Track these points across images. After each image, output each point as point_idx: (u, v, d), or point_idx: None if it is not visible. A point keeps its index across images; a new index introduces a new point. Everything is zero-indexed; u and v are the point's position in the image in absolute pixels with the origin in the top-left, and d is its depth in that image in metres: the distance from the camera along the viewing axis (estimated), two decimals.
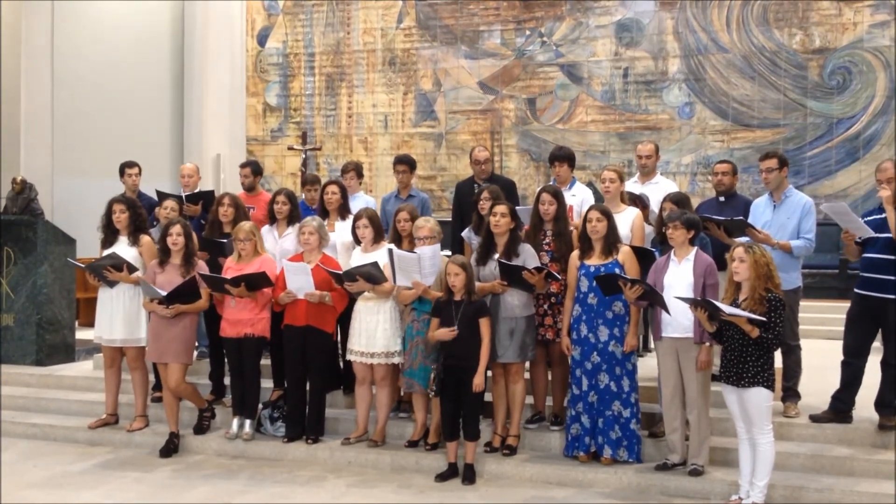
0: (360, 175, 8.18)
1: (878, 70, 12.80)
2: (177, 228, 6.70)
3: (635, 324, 6.04)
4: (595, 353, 6.02)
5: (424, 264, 6.15)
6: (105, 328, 7.05)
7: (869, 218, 6.14)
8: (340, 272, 6.43)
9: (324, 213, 7.29)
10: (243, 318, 6.63)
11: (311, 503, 5.76)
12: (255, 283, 6.54)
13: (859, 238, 6.03)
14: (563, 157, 7.24)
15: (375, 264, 6.30)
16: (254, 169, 8.20)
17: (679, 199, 6.34)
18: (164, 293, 6.54)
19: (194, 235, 6.94)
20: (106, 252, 7.05)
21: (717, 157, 13.01)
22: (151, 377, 7.34)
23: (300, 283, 6.44)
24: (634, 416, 6.02)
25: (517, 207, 6.91)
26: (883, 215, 5.99)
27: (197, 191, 8.27)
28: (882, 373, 6.10)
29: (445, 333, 5.98)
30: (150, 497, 5.89)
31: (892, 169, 6.00)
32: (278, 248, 7.20)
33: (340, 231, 7.13)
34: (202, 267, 6.80)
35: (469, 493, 5.87)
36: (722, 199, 7.00)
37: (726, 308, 5.16)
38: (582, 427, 6.08)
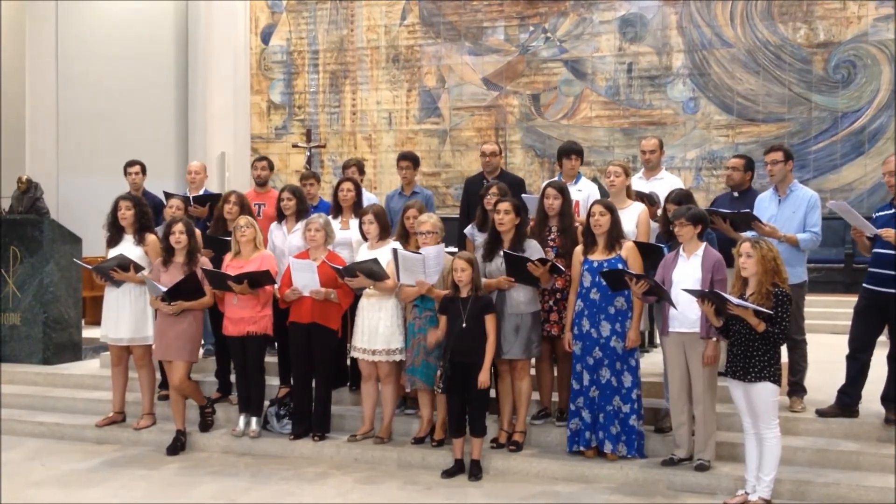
0: (361, 172, 8.21)
1: (883, 63, 12.75)
2: (179, 227, 6.71)
3: (637, 319, 6.03)
4: (597, 347, 6.02)
5: (429, 264, 6.15)
6: (112, 327, 7.07)
7: (879, 214, 6.14)
8: (342, 268, 6.44)
9: (338, 210, 7.31)
10: (245, 316, 6.64)
11: (318, 500, 5.77)
12: (258, 280, 6.56)
13: (870, 234, 6.02)
14: (575, 151, 7.26)
15: (376, 260, 6.31)
16: (269, 164, 8.25)
17: (679, 199, 6.22)
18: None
19: (198, 233, 6.95)
20: (112, 251, 7.08)
21: (722, 153, 13.04)
22: (158, 375, 7.36)
23: (306, 280, 6.45)
24: (635, 412, 6.00)
25: (524, 195, 6.91)
26: (892, 211, 5.99)
27: (203, 190, 8.30)
28: (889, 367, 6.09)
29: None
30: (158, 494, 5.91)
31: (894, 162, 6.00)
32: (287, 244, 7.21)
33: (355, 228, 7.11)
34: (206, 264, 6.80)
35: (475, 489, 5.88)
36: (736, 194, 6.94)
37: (733, 300, 5.15)
38: (582, 422, 6.08)
